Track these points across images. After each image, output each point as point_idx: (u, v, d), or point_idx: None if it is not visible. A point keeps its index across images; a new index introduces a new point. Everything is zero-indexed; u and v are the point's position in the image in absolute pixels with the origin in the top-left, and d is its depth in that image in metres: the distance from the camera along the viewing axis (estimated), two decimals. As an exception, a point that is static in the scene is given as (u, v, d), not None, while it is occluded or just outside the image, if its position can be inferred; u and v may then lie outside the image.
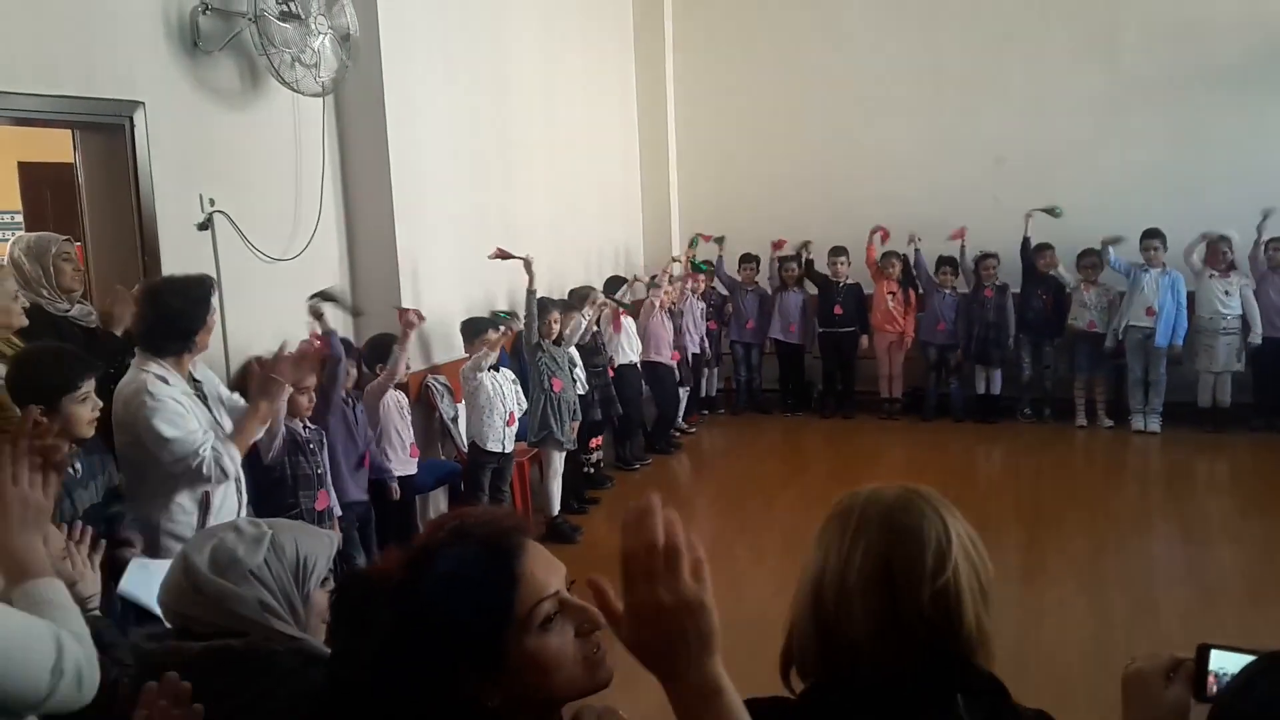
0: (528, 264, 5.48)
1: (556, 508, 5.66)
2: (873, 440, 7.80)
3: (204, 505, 3.14)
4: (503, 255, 5.53)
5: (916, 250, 8.02)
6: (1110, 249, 7.41)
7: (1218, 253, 7.19)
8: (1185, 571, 5.11)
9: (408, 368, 4.88)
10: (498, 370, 5.28)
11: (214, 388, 3.30)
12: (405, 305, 4.94)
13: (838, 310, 8.21)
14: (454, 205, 5.80)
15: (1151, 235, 7.35)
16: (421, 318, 4.82)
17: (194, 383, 3.20)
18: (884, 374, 8.25)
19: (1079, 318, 7.61)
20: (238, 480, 3.25)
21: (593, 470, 6.48)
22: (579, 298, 6.24)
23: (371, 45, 4.98)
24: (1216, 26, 7.63)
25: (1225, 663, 1.22)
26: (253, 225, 4.54)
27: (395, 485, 4.73)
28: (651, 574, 0.91)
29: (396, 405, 4.79)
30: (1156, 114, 7.85)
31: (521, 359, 5.75)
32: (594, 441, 6.42)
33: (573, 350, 5.89)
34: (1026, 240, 7.73)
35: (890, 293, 8.09)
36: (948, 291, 7.97)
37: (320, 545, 1.68)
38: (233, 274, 4.40)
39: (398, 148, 5.21)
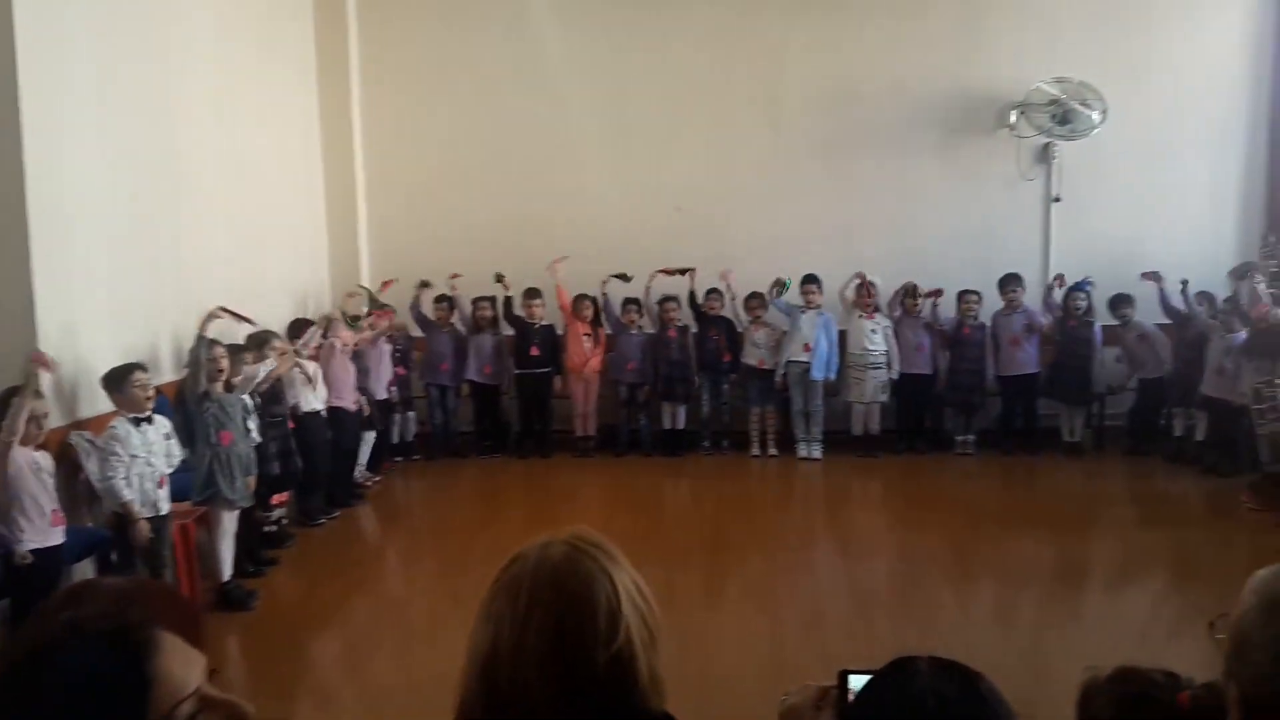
0: (213, 313, 5.28)
1: (228, 572, 5.19)
2: (569, 478, 7.94)
3: None
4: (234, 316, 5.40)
5: (605, 294, 8.36)
6: (777, 290, 8.10)
7: (864, 296, 8.10)
8: (845, 584, 5.64)
9: (41, 424, 4.27)
10: (150, 422, 4.75)
11: None
12: (45, 350, 4.38)
13: (534, 351, 8.32)
14: (110, 241, 5.22)
15: (809, 280, 8.15)
16: (55, 364, 4.34)
17: None
18: (579, 412, 8.45)
19: (750, 355, 8.25)
20: None
21: (274, 528, 6.04)
22: (256, 342, 5.83)
23: (5, 59, 4.40)
24: (865, 95, 8.66)
25: (862, 684, 1.31)
26: None
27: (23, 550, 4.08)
28: None
29: (32, 467, 4.15)
30: (816, 169, 8.73)
31: (186, 410, 5.22)
32: (277, 498, 5.98)
33: (246, 397, 5.47)
34: (693, 292, 8.30)
35: (585, 334, 8.33)
36: (634, 332, 8.34)
37: None
38: None
39: (36, 174, 4.61)
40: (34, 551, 4.13)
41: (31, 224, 4.57)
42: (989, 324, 8.19)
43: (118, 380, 4.69)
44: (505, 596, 1.29)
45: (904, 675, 1.21)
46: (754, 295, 8.23)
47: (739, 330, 8.33)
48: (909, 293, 8.17)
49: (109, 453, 4.54)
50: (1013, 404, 8.23)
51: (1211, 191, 8.54)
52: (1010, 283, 8.11)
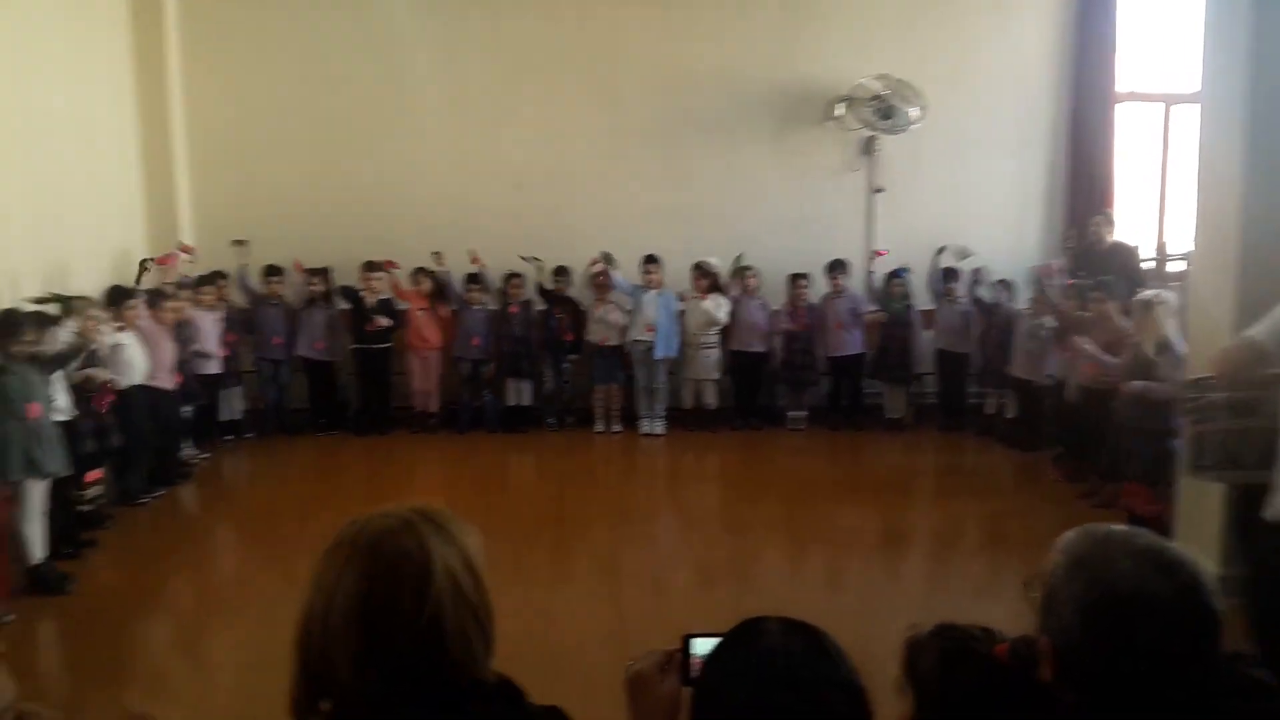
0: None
1: (39, 553, 4.84)
2: (410, 455, 7.80)
3: None
4: None
5: (446, 269, 8.22)
6: (616, 274, 8.20)
7: (700, 277, 8.30)
8: (687, 556, 5.81)
9: None
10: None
11: None
12: None
13: (371, 326, 8.12)
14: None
15: (650, 260, 8.29)
16: None
17: None
18: (419, 389, 8.30)
19: (595, 333, 8.33)
20: None
21: (90, 508, 5.67)
22: (66, 310, 5.43)
23: None
24: (699, 82, 8.82)
25: (705, 648, 1.36)
26: None
27: None
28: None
29: None
30: (652, 153, 8.84)
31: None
32: (90, 475, 5.60)
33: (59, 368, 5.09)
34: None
35: (421, 309, 8.19)
36: (477, 308, 8.26)
37: None
38: None
39: None
40: None
41: None
42: (818, 306, 8.56)
43: None
44: (328, 558, 1.31)
45: (753, 635, 1.29)
46: (598, 274, 8.28)
47: (583, 309, 8.39)
48: (741, 271, 8.43)
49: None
50: (840, 383, 8.66)
51: (1018, 187, 9.19)
52: (836, 268, 8.49)
